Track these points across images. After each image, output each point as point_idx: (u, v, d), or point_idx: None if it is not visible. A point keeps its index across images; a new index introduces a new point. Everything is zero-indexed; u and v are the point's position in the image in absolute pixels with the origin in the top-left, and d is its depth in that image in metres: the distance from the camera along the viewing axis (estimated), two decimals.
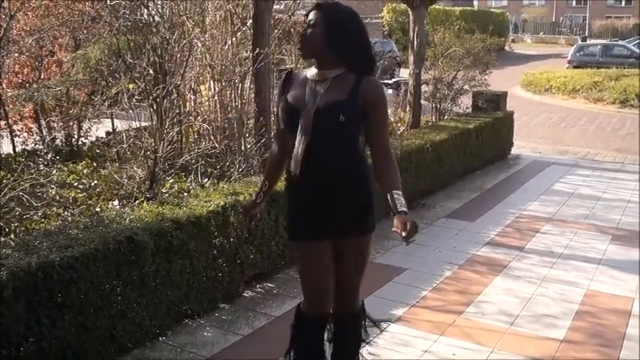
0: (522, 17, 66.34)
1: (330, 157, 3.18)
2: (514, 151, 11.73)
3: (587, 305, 5.28)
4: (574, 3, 69.59)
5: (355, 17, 3.27)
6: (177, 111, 7.01)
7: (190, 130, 7.83)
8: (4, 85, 7.29)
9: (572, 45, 34.04)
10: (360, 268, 3.46)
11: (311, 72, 3.26)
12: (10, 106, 7.49)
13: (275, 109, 3.60)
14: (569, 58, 28.61)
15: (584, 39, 39.00)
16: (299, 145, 3.16)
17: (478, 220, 7.54)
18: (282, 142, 3.38)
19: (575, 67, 26.07)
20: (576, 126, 16.18)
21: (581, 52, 28.82)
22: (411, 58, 10.52)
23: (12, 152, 8.07)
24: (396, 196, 3.17)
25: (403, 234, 3.00)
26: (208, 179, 6.65)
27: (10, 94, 7.06)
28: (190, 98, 8.11)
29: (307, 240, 3.34)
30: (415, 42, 10.37)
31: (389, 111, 11.92)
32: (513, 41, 50.50)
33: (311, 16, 3.20)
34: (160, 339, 4.44)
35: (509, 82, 22.29)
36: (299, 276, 3.51)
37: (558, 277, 5.84)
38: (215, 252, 4.80)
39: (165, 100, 6.28)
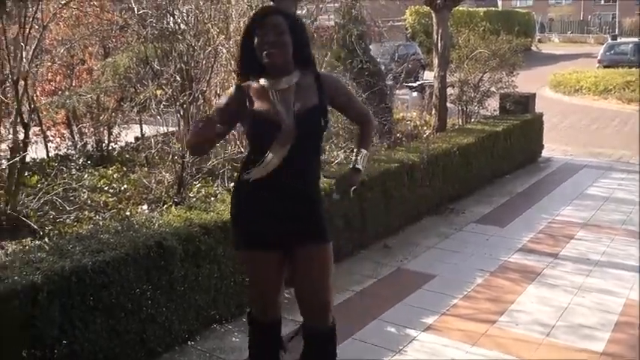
0: (549, 16, 65.70)
1: (306, 163, 3.26)
2: (544, 153, 11.59)
3: (627, 316, 5.09)
4: (602, 1, 68.61)
5: (304, 25, 3.43)
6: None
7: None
8: (37, 93, 7.44)
9: (602, 44, 33.56)
10: (323, 279, 3.37)
11: (266, 81, 3.20)
12: (44, 113, 7.65)
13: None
14: (599, 58, 28.13)
15: (614, 37, 38.55)
16: (276, 155, 3.12)
17: (509, 226, 7.43)
18: (211, 142, 3.30)
19: (605, 67, 25.66)
20: (609, 127, 15.89)
21: (612, 51, 28.37)
22: (436, 61, 10.52)
23: (46, 157, 8.24)
24: (361, 153, 3.52)
25: (334, 195, 3.46)
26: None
27: (43, 101, 7.21)
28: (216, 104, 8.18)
29: (255, 249, 3.34)
30: (439, 44, 10.36)
31: (414, 114, 11.90)
32: (540, 41, 50.06)
33: (274, 20, 3.15)
34: (189, 344, 4.50)
35: (538, 83, 22.08)
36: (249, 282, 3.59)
37: (595, 286, 5.67)
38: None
39: (191, 106, 6.37)
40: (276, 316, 3.60)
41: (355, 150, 3.58)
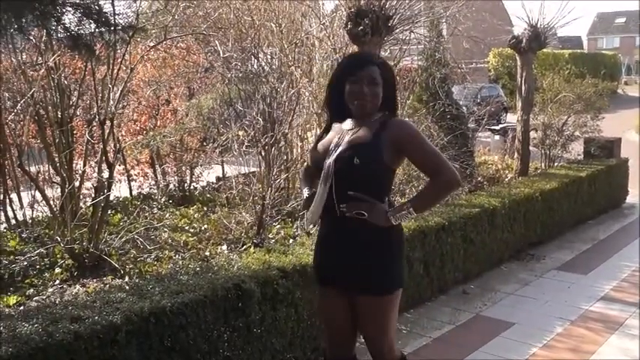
0: (635, 58, 64.27)
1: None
2: (629, 199, 11.24)
3: None
4: None
5: (393, 71, 3.39)
6: (285, 158, 7.15)
7: (297, 176, 7.95)
8: (123, 133, 7.63)
9: None
10: (377, 327, 3.34)
11: (347, 124, 3.31)
12: (129, 152, 7.84)
13: None
14: None
15: None
16: (319, 193, 3.22)
17: (591, 273, 7.22)
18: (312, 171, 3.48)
19: None
20: None
21: None
22: (519, 104, 10.36)
23: (129, 196, 8.43)
24: (404, 207, 3.17)
25: (354, 211, 3.16)
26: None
27: (128, 141, 7.38)
28: (297, 145, 8.25)
29: (320, 284, 3.46)
30: (523, 87, 10.22)
31: (496, 157, 11.73)
32: (626, 83, 48.98)
33: (370, 71, 3.19)
34: None
35: (623, 126, 21.49)
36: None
37: None
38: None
39: (273, 148, 6.41)
40: (348, 356, 3.56)
41: (407, 202, 3.21)
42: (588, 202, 9.57)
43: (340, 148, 3.19)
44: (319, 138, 3.43)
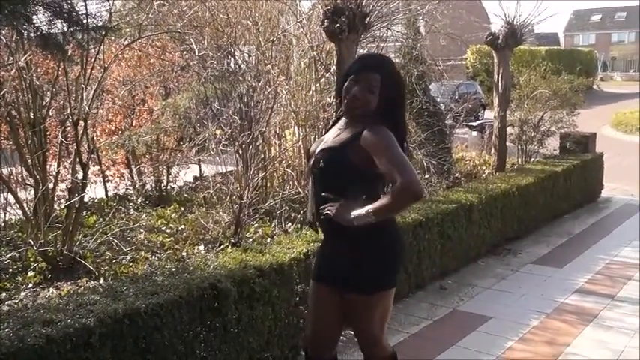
0: (611, 55, 64.86)
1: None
2: (604, 194, 11.39)
3: None
4: None
5: (404, 86, 3.35)
6: (262, 157, 7.10)
7: (275, 175, 7.92)
8: (98, 133, 7.54)
9: None
10: (368, 323, 3.36)
11: (340, 124, 3.37)
12: (104, 153, 7.75)
13: None
14: None
15: None
16: (311, 192, 3.41)
17: (566, 267, 7.29)
18: None
19: None
20: None
21: None
22: (496, 100, 10.40)
23: (104, 197, 8.34)
24: (363, 211, 3.05)
25: (326, 210, 3.20)
26: (292, 224, 6.68)
27: (103, 141, 7.30)
28: (275, 144, 8.21)
29: (313, 279, 3.50)
30: (500, 84, 10.25)
31: (473, 154, 11.78)
32: (602, 80, 49.38)
33: (370, 77, 3.16)
34: None
35: (598, 122, 21.72)
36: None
37: None
38: (297, 299, 4.78)
39: (250, 146, 6.36)
40: (330, 354, 3.60)
41: (368, 207, 3.05)
42: (564, 196, 9.65)
43: (317, 151, 3.29)
44: (326, 132, 3.52)
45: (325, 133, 3.51)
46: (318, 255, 3.58)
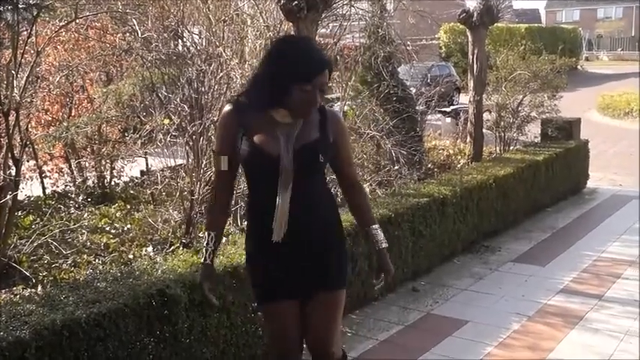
0: (597, 32, 65.60)
1: (311, 200, 3.25)
2: (590, 184, 11.50)
3: None
4: None
5: None
6: None
7: None
8: (33, 124, 7.47)
9: None
10: (336, 321, 3.47)
11: (280, 114, 3.19)
12: (39, 146, 7.67)
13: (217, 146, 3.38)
14: None
15: None
16: (281, 202, 3.15)
17: (550, 265, 7.35)
18: (228, 184, 3.42)
19: None
20: None
21: None
22: (471, 84, 10.49)
23: (42, 195, 8.27)
24: (374, 232, 3.43)
25: (376, 284, 3.36)
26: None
27: (38, 134, 7.23)
28: None
29: (268, 300, 3.39)
30: (475, 65, 10.34)
31: (447, 142, 11.90)
32: (587, 59, 49.98)
33: (322, 78, 3.14)
34: None
35: (583, 106, 21.97)
36: (268, 338, 3.55)
37: None
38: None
39: (202, 137, 6.36)
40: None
41: (365, 230, 3.53)
42: (546, 188, 9.76)
43: (297, 145, 3.17)
44: (231, 125, 3.24)
45: (248, 132, 3.20)
46: (269, 269, 3.33)
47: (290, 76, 3.12)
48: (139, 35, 6.90)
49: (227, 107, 3.29)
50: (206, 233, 3.47)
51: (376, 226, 3.48)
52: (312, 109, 3.17)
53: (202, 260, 3.46)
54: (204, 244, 3.43)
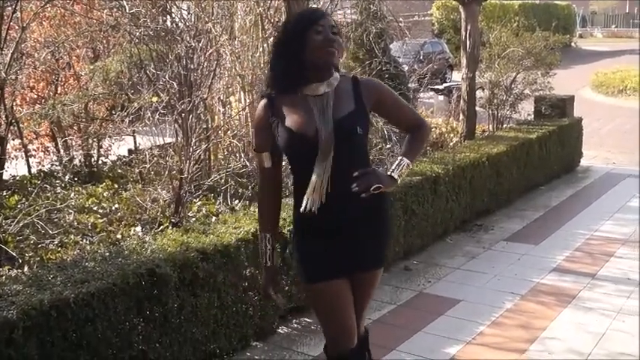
0: (591, 9, 65.50)
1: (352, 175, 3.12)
2: (583, 162, 11.57)
3: None
4: None
5: None
6: (205, 126, 7.08)
7: (219, 146, 7.89)
8: (18, 102, 7.42)
9: None
10: (368, 300, 3.55)
11: (311, 88, 3.17)
12: (25, 124, 7.62)
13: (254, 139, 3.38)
14: None
15: None
16: (321, 176, 3.09)
17: (543, 243, 7.39)
18: (273, 180, 3.39)
19: None
20: None
21: None
22: (464, 61, 10.47)
23: (27, 174, 8.23)
24: (398, 159, 3.28)
25: (355, 186, 3.00)
26: (239, 201, 6.69)
27: (24, 111, 7.18)
28: (219, 111, 8.18)
29: (323, 279, 3.29)
30: (468, 42, 10.31)
31: (440, 120, 11.90)
32: (581, 36, 49.93)
33: (328, 22, 3.17)
34: None
35: (577, 83, 21.99)
36: (320, 318, 3.45)
37: (637, 309, 5.61)
38: (246, 284, 4.80)
39: (191, 115, 6.33)
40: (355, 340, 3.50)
41: (399, 157, 3.29)
42: (539, 166, 9.79)
43: (335, 117, 3.13)
44: (264, 119, 3.24)
45: (282, 118, 3.19)
46: (320, 250, 3.28)
47: (299, 31, 3.16)
48: (127, 11, 6.83)
49: (262, 102, 3.29)
50: (260, 235, 3.44)
51: (407, 161, 3.26)
52: (333, 49, 3.12)
53: (263, 263, 3.44)
54: (262, 248, 3.42)
